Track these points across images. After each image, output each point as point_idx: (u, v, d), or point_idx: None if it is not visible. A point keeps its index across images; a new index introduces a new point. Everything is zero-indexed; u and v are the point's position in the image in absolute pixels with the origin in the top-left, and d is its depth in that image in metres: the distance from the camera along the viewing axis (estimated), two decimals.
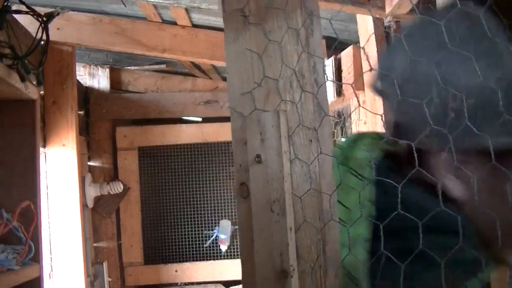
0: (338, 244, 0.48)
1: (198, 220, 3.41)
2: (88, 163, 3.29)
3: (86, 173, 3.07)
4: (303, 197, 0.47)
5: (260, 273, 0.45)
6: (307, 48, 0.48)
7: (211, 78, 3.47)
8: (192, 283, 3.41)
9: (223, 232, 3.36)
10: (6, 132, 1.74)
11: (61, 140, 2.61)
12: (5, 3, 1.59)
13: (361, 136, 0.89)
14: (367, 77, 2.09)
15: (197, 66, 3.21)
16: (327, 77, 0.49)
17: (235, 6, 0.48)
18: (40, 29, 1.73)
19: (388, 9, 1.87)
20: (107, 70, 3.39)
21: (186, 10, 2.45)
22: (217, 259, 3.40)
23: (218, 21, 2.61)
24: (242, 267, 0.48)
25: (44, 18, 1.73)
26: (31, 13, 1.69)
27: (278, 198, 0.45)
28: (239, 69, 0.48)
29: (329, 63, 2.32)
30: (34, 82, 1.79)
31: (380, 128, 1.96)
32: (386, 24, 1.98)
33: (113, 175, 3.35)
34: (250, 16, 0.48)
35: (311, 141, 0.48)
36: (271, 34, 0.48)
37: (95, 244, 3.25)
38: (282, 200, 0.45)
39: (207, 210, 3.43)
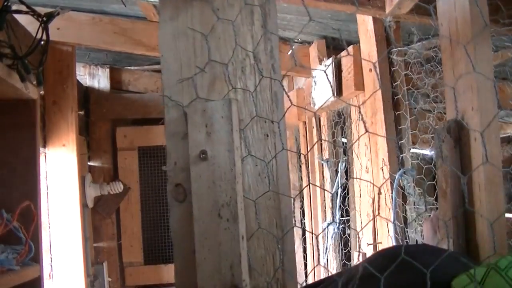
0: (294, 255, 0.41)
1: None
2: (88, 163, 3.29)
3: (86, 173, 3.07)
4: (257, 200, 0.39)
5: None
6: (265, 29, 0.41)
7: None
8: None
9: None
10: (6, 132, 1.74)
11: (61, 140, 2.61)
12: (5, 3, 1.59)
13: None
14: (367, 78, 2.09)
15: None
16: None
17: None
18: (40, 29, 1.73)
19: (388, 9, 1.87)
20: (107, 70, 3.39)
21: None
22: None
23: None
24: (177, 284, 0.40)
25: (44, 18, 1.73)
26: (31, 13, 1.69)
27: (228, 201, 0.38)
28: (177, 51, 0.41)
29: (329, 63, 2.32)
30: (34, 82, 1.79)
31: (380, 128, 1.96)
32: (386, 24, 1.98)
33: (113, 175, 3.35)
34: None
35: (267, 135, 0.40)
36: (220, 12, 0.40)
37: (95, 244, 3.25)
38: (233, 203, 0.38)
39: None
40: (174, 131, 0.42)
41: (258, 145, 0.40)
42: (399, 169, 1.90)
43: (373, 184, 1.98)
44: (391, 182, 1.90)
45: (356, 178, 2.13)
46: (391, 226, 1.90)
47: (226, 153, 0.38)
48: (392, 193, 1.89)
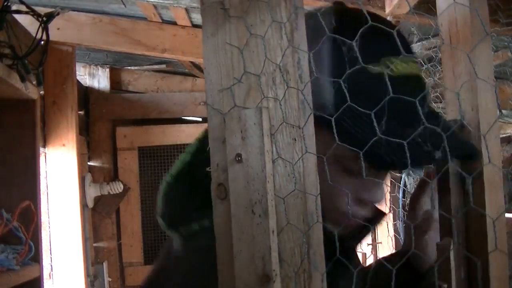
0: (322, 248, 0.45)
1: None
2: (88, 163, 3.29)
3: (86, 173, 3.07)
4: (286, 198, 0.45)
5: (240, 278, 0.43)
6: (292, 42, 0.45)
7: None
8: None
9: None
10: (6, 132, 1.74)
11: (61, 140, 2.61)
12: (5, 3, 1.59)
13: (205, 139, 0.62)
14: None
15: (197, 66, 3.21)
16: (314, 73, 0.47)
17: None
18: (40, 29, 1.73)
19: (388, 9, 1.88)
20: (107, 70, 3.39)
21: (186, 10, 2.45)
22: None
23: None
24: (220, 273, 0.46)
25: (44, 18, 1.73)
26: (31, 13, 1.69)
27: (260, 199, 0.43)
28: (218, 64, 0.47)
29: None
30: (34, 82, 1.79)
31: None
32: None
33: (113, 175, 3.35)
34: (231, 9, 0.46)
35: (295, 139, 0.45)
36: (253, 28, 0.45)
37: (95, 244, 3.25)
38: (264, 201, 0.43)
39: None
40: (216, 136, 0.47)
41: (287, 148, 0.45)
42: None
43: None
44: (391, 182, 1.90)
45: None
46: (390, 225, 1.91)
47: (258, 156, 0.44)
48: (393, 193, 1.89)
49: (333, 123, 0.47)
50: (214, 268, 0.48)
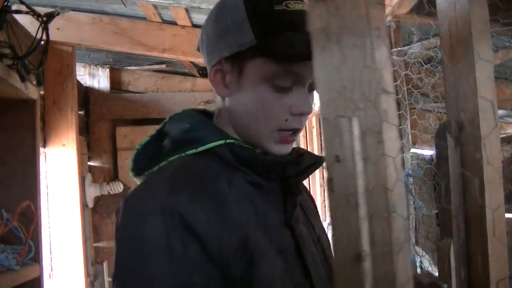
0: (403, 233, 0.56)
1: None
2: (88, 163, 3.29)
3: (86, 173, 3.07)
4: (373, 191, 0.55)
5: (339, 256, 0.55)
6: (374, 62, 0.56)
7: None
8: None
9: None
10: (6, 132, 1.74)
11: (61, 140, 2.61)
12: (5, 3, 1.59)
13: None
14: None
15: (197, 66, 3.21)
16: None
17: (319, 25, 0.58)
18: (40, 29, 1.73)
19: (388, 9, 1.88)
20: (107, 70, 3.39)
21: (186, 10, 2.45)
22: None
23: None
24: (334, 251, 0.58)
25: (44, 18, 1.73)
26: (31, 13, 1.69)
27: (353, 192, 0.55)
28: (325, 79, 0.58)
29: None
30: (34, 82, 1.79)
31: None
32: (386, 24, 1.97)
33: (113, 175, 3.35)
34: (331, 34, 0.57)
35: (379, 142, 0.56)
36: (346, 50, 0.57)
37: (95, 244, 3.25)
38: (355, 193, 0.54)
39: None
40: (327, 138, 0.58)
41: (373, 150, 0.56)
42: (404, 169, 1.90)
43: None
44: None
45: None
46: None
47: (350, 157, 0.55)
48: None
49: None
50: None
